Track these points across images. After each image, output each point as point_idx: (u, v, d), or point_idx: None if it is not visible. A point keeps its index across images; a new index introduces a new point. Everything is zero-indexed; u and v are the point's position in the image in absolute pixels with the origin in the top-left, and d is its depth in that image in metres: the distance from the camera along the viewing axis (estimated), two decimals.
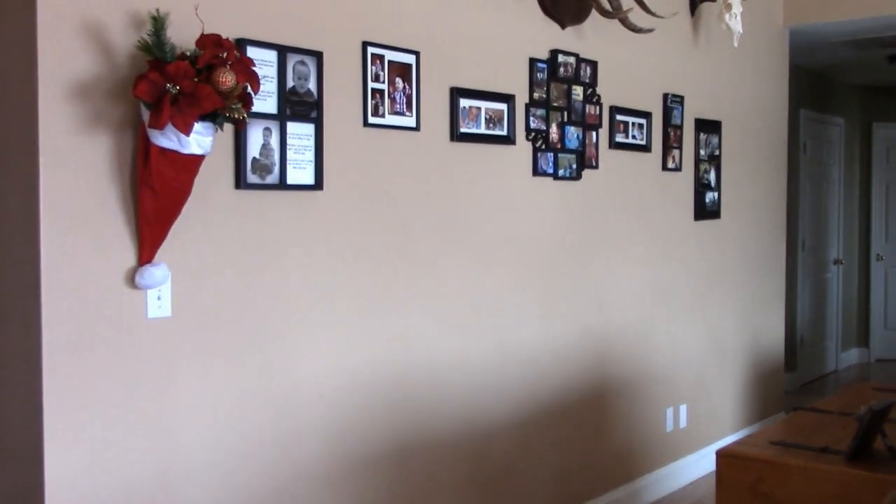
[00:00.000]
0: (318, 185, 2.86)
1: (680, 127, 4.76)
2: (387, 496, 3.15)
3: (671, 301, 4.76)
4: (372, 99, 3.04)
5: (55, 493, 2.25)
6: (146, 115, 2.28)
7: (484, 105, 3.50)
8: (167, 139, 2.29)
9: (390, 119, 3.11)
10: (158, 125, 2.23)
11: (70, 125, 2.26)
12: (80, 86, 2.27)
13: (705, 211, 5.04)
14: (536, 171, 3.79)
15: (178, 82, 2.24)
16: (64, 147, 2.25)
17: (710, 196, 5.08)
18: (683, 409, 4.89)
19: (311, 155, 2.83)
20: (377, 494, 3.12)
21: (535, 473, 3.85)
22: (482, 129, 3.50)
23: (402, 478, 3.21)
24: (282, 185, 2.75)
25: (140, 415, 2.43)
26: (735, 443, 3.13)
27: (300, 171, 2.80)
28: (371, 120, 3.04)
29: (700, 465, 4.98)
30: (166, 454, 2.49)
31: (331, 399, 2.95)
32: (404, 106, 3.16)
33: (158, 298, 2.45)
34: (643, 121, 4.47)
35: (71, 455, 2.28)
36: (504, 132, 3.60)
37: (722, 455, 3.03)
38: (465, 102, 3.41)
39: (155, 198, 2.36)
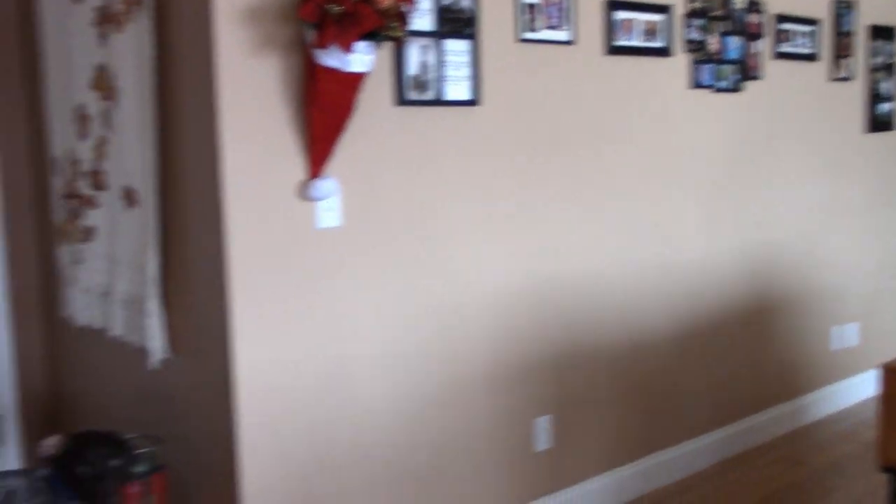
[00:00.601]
0: (475, 100, 2.94)
1: (850, 34, 4.53)
2: (544, 402, 3.27)
3: (839, 217, 4.59)
4: (526, 14, 3.07)
5: (245, 381, 2.49)
6: (310, 35, 2.41)
7: (640, 16, 3.46)
8: (331, 58, 2.42)
9: (544, 34, 3.14)
10: (322, 44, 2.36)
11: (244, 48, 2.42)
12: (252, 11, 2.42)
13: (878, 123, 4.80)
14: (695, 84, 3.72)
15: (339, 3, 2.35)
16: (239, 69, 2.42)
17: (883, 107, 4.83)
18: (854, 327, 4.75)
19: (467, 71, 2.91)
20: (535, 401, 3.24)
21: (694, 387, 3.87)
22: (638, 42, 3.47)
23: (561, 386, 3.31)
24: (439, 101, 2.84)
25: (317, 316, 2.62)
26: None
27: (457, 87, 2.88)
28: (525, 35, 3.08)
29: (870, 385, 4.84)
30: (340, 354, 2.68)
31: (491, 308, 3.06)
32: (558, 20, 3.18)
33: (329, 210, 2.61)
34: (810, 28, 4.28)
35: (258, 348, 2.51)
36: (661, 44, 3.56)
37: (889, 369, 2.95)
38: (619, 15, 3.38)
39: (322, 115, 2.50)
